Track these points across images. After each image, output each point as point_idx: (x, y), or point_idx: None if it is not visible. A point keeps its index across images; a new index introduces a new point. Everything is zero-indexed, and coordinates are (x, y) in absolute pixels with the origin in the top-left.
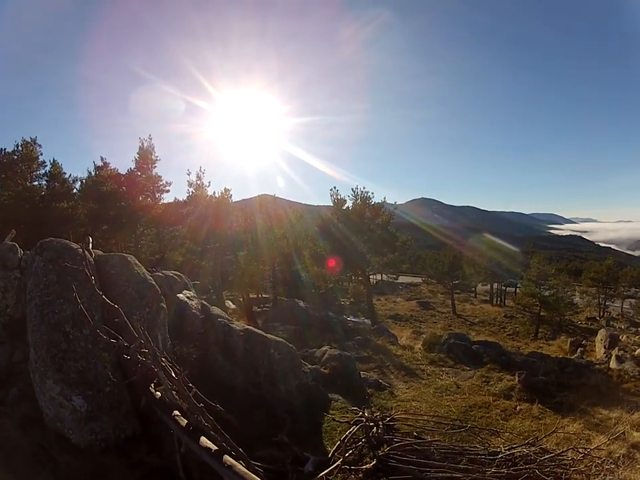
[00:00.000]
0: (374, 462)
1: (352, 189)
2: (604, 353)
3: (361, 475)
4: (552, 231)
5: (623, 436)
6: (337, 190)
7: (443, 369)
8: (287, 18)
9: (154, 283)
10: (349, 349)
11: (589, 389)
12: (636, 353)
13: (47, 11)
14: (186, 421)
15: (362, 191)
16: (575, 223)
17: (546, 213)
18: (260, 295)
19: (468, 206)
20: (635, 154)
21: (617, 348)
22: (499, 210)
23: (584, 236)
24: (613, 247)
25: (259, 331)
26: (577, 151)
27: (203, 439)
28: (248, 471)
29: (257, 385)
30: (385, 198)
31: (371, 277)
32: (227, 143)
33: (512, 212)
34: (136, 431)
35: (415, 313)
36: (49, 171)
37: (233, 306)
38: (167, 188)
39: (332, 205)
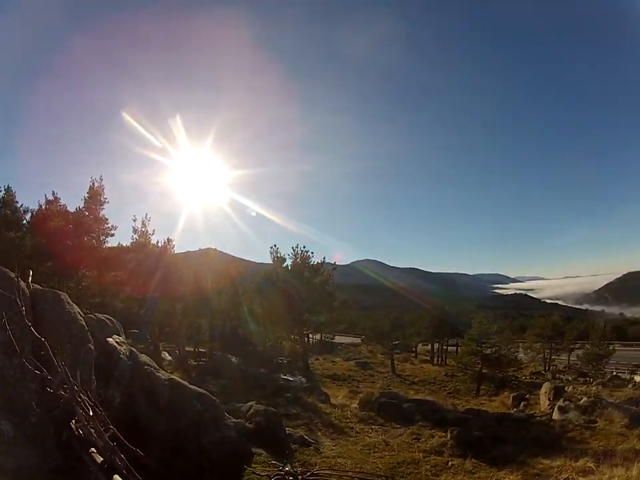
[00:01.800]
0: None
1: (292, 248)
2: (548, 405)
3: None
4: (497, 291)
5: None
6: (277, 248)
7: (373, 426)
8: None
9: (84, 323)
10: (279, 405)
11: (528, 441)
12: (581, 402)
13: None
14: (101, 459)
15: (302, 250)
16: (520, 282)
17: (491, 273)
18: (197, 349)
19: (412, 267)
20: (578, 210)
21: (561, 399)
22: (444, 271)
23: (530, 294)
24: (559, 302)
25: (183, 382)
26: (521, 211)
27: (116, 477)
28: None
29: (179, 433)
30: (324, 258)
31: (310, 336)
32: (175, 195)
33: (457, 273)
34: (59, 464)
35: (353, 373)
36: (1, 197)
37: (169, 357)
38: (112, 232)
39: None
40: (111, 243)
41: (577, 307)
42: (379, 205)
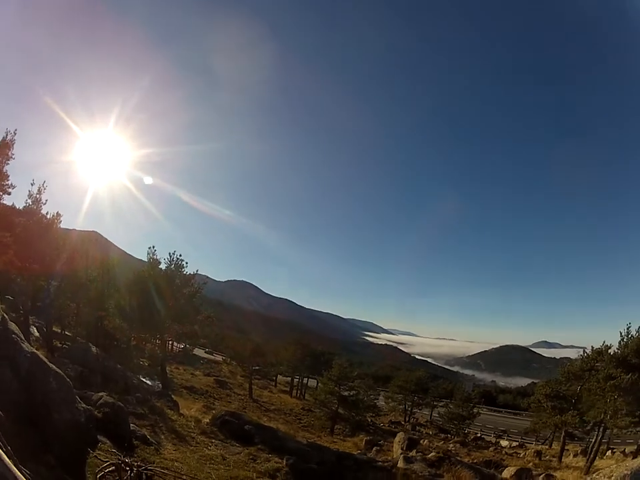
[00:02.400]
0: None
1: (169, 253)
2: (401, 454)
3: None
4: (368, 338)
5: None
6: (155, 249)
7: (213, 440)
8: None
9: None
10: (128, 402)
11: None
12: (429, 455)
13: None
14: None
15: (177, 258)
16: (393, 334)
17: (365, 321)
18: (64, 331)
19: (285, 298)
20: (459, 279)
21: (414, 450)
22: (317, 309)
23: (400, 347)
24: (429, 360)
25: (44, 358)
26: (398, 265)
27: None
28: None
29: (35, 406)
30: (197, 270)
31: (175, 344)
32: (75, 172)
33: (329, 313)
34: None
35: (211, 389)
36: None
37: (37, 334)
38: (10, 190)
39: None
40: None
41: (448, 367)
42: (262, 226)
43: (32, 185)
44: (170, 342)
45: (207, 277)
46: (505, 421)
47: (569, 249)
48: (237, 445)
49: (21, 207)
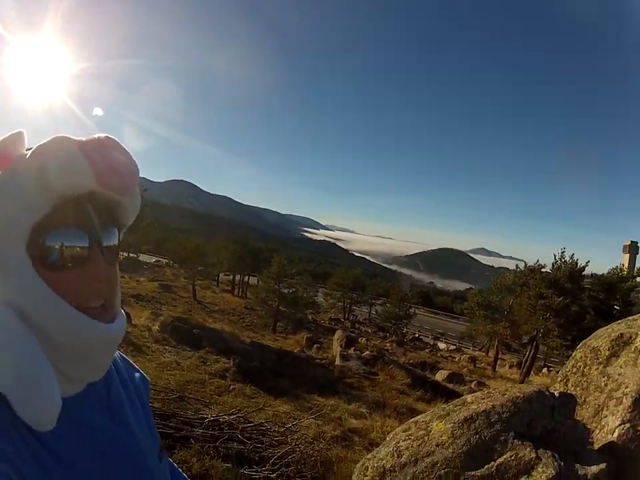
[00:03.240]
0: None
1: None
2: (340, 351)
3: None
4: (306, 234)
5: (339, 421)
6: None
7: (166, 347)
8: None
9: None
10: None
11: (307, 379)
12: (364, 353)
13: None
14: None
15: None
16: (331, 230)
17: (302, 216)
18: None
19: (225, 196)
20: (404, 176)
21: (352, 348)
22: (255, 205)
23: (338, 243)
24: (368, 257)
25: None
26: (340, 159)
27: None
28: None
29: None
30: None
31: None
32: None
33: (268, 209)
34: None
35: (157, 295)
36: None
37: None
38: None
39: None
40: None
41: (386, 266)
42: (199, 121)
43: None
44: None
45: (145, 179)
46: (443, 324)
47: (521, 157)
48: (188, 349)
49: None
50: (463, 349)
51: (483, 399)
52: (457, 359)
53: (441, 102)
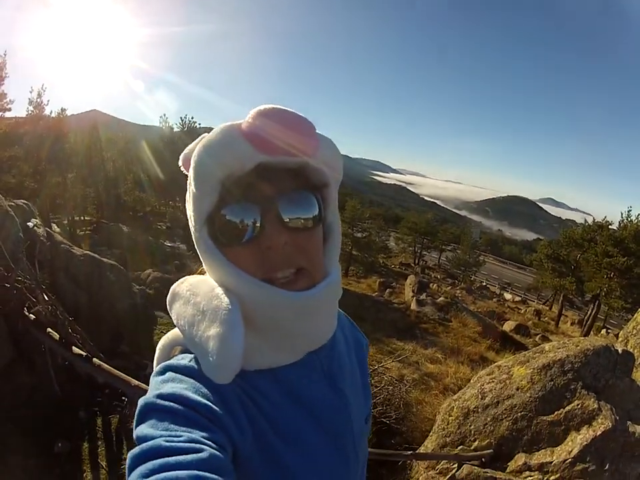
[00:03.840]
0: None
1: (180, 118)
2: (412, 296)
3: None
4: (376, 178)
5: (417, 365)
6: (167, 117)
7: None
8: None
9: (13, 213)
10: (169, 272)
11: (385, 322)
12: (438, 300)
13: None
14: (58, 335)
15: (190, 120)
16: (401, 174)
17: (372, 160)
18: (83, 218)
19: None
20: (476, 124)
21: (424, 293)
22: None
23: (409, 187)
24: (438, 202)
25: (97, 256)
26: (407, 102)
27: (74, 349)
28: (113, 368)
29: (99, 304)
30: (202, 125)
31: None
32: (65, 52)
33: None
34: (14, 356)
35: None
36: None
37: (58, 229)
38: (9, 106)
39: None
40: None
41: (456, 211)
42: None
43: (30, 92)
44: None
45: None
46: (510, 274)
47: (599, 106)
48: None
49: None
50: (528, 301)
51: (559, 348)
52: (522, 311)
53: (521, 43)
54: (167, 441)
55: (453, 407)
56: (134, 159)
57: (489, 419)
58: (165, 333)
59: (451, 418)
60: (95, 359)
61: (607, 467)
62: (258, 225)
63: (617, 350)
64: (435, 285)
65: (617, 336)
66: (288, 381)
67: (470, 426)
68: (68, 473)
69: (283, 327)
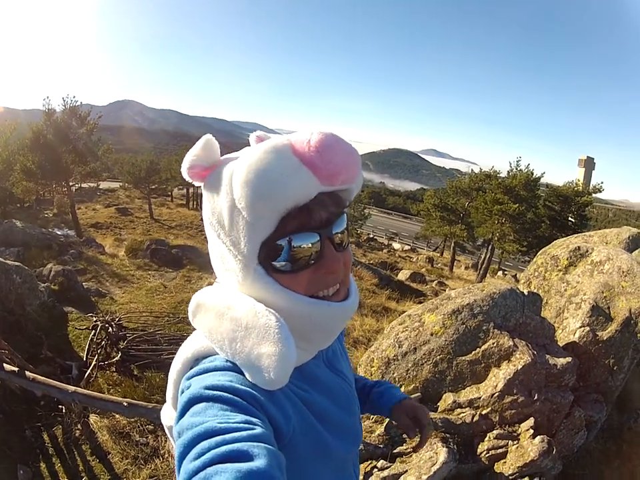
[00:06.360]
0: (119, 355)
1: (62, 98)
2: None
3: (113, 368)
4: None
5: None
6: (49, 99)
7: (149, 272)
8: None
9: None
10: (67, 263)
11: None
12: None
13: None
14: None
15: (71, 100)
16: (278, 133)
17: (250, 122)
18: None
19: (170, 109)
20: (355, 80)
21: None
22: (201, 115)
23: None
24: None
25: (1, 259)
26: (298, 62)
27: (6, 365)
28: (47, 379)
29: (11, 311)
30: (80, 102)
31: (81, 186)
32: None
33: (214, 118)
34: None
35: (115, 220)
36: None
37: None
38: None
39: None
40: None
41: None
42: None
43: None
44: (75, 185)
45: (90, 105)
46: (396, 224)
47: (477, 60)
48: (170, 270)
49: None
50: (417, 249)
51: (465, 294)
52: (414, 259)
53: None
54: (220, 423)
55: (373, 358)
56: (20, 147)
57: (410, 365)
58: (79, 329)
59: (373, 369)
60: (27, 373)
61: (535, 397)
62: (318, 251)
63: (523, 292)
64: None
65: (514, 277)
66: (309, 372)
67: (393, 374)
68: None
69: (331, 334)
